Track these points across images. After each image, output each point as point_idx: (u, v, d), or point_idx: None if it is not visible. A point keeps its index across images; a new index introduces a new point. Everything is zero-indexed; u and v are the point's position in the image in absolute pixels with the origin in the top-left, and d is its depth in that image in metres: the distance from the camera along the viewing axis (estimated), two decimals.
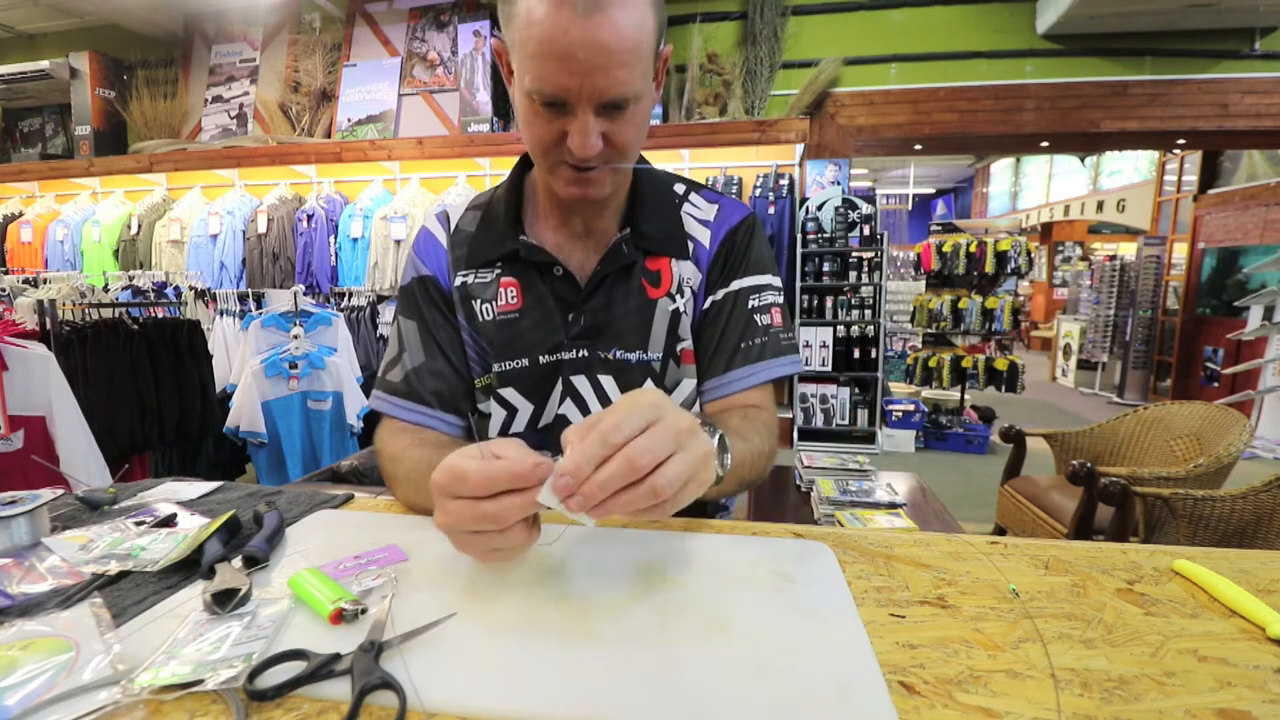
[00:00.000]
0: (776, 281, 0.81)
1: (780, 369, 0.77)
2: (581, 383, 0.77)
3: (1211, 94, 3.96)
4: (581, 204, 0.74)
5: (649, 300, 0.76)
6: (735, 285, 0.78)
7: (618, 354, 0.76)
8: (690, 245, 0.79)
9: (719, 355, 0.77)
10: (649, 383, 0.77)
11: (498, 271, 0.77)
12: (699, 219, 0.80)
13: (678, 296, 0.77)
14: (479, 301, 0.78)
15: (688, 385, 0.79)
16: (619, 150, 0.65)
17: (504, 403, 0.78)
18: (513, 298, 0.77)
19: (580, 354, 0.76)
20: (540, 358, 0.76)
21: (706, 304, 0.78)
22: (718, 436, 0.53)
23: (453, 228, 0.81)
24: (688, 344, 0.78)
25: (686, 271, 0.78)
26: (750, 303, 0.78)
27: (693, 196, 0.82)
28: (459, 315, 0.79)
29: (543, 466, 0.46)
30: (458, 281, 0.79)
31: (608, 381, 0.77)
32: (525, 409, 0.78)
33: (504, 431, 0.79)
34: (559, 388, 0.77)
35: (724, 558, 0.57)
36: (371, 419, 3.12)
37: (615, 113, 0.62)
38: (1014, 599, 0.50)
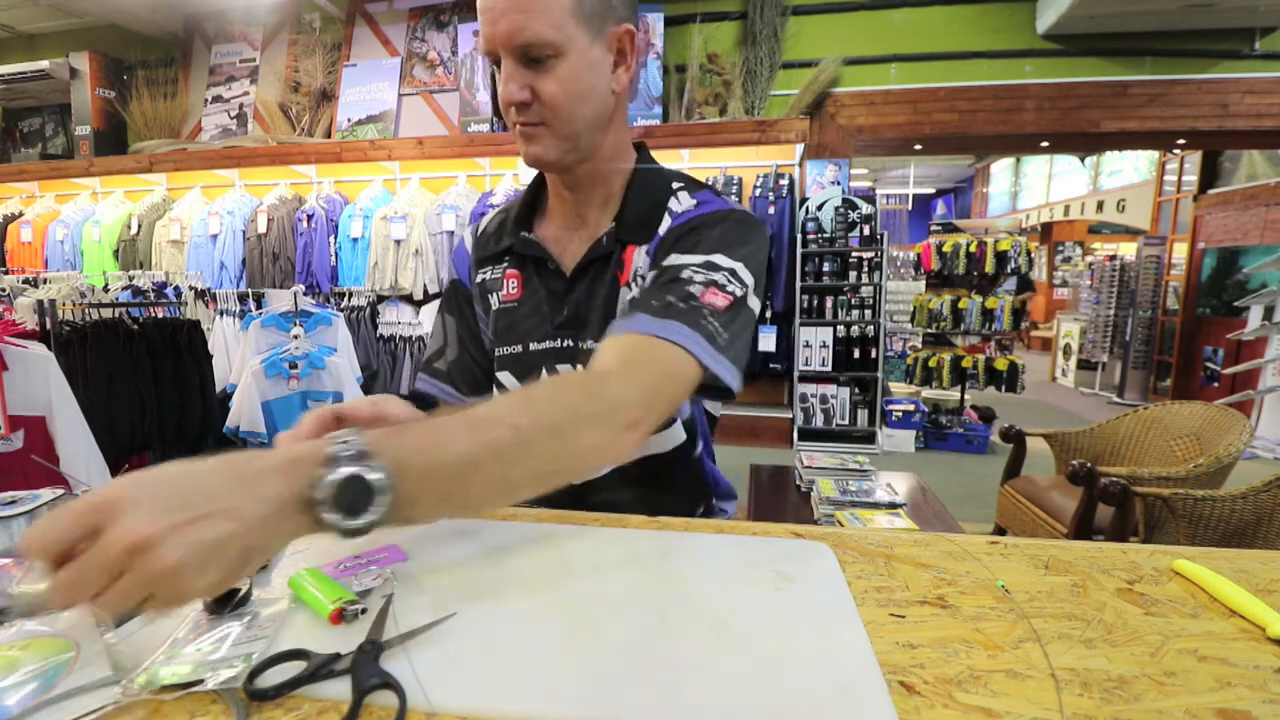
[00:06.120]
0: (738, 268, 0.68)
1: (685, 341, 0.60)
2: (567, 371, 0.79)
3: (1211, 94, 3.96)
4: (561, 176, 0.77)
5: (618, 289, 0.77)
6: (674, 260, 0.69)
7: (590, 344, 0.77)
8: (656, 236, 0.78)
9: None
10: None
11: (504, 265, 0.84)
12: (672, 210, 0.78)
13: (633, 285, 0.76)
14: (492, 294, 0.84)
15: None
16: (548, 107, 0.68)
17: (502, 388, 0.83)
18: (514, 288, 0.82)
19: (565, 343, 0.79)
20: (531, 345, 0.80)
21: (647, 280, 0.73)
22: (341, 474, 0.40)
23: (480, 230, 0.89)
24: None
25: (640, 260, 0.77)
26: (686, 274, 0.66)
27: (682, 193, 0.80)
28: (479, 308, 0.87)
29: None
30: (478, 279, 0.86)
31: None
32: None
33: None
34: (545, 375, 0.80)
35: (724, 558, 0.57)
36: None
37: (537, 66, 0.66)
38: (1013, 599, 0.50)
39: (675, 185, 0.81)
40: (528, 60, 0.66)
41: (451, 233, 4.00)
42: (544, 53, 0.65)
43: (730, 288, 0.66)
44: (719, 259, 0.68)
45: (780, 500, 1.98)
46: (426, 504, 0.45)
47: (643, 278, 0.75)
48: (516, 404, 0.52)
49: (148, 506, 0.36)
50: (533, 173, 0.83)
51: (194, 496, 0.37)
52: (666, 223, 0.77)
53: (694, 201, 0.78)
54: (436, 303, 2.12)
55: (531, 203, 0.84)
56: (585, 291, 0.78)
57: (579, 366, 0.78)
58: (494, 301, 0.84)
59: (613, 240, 0.77)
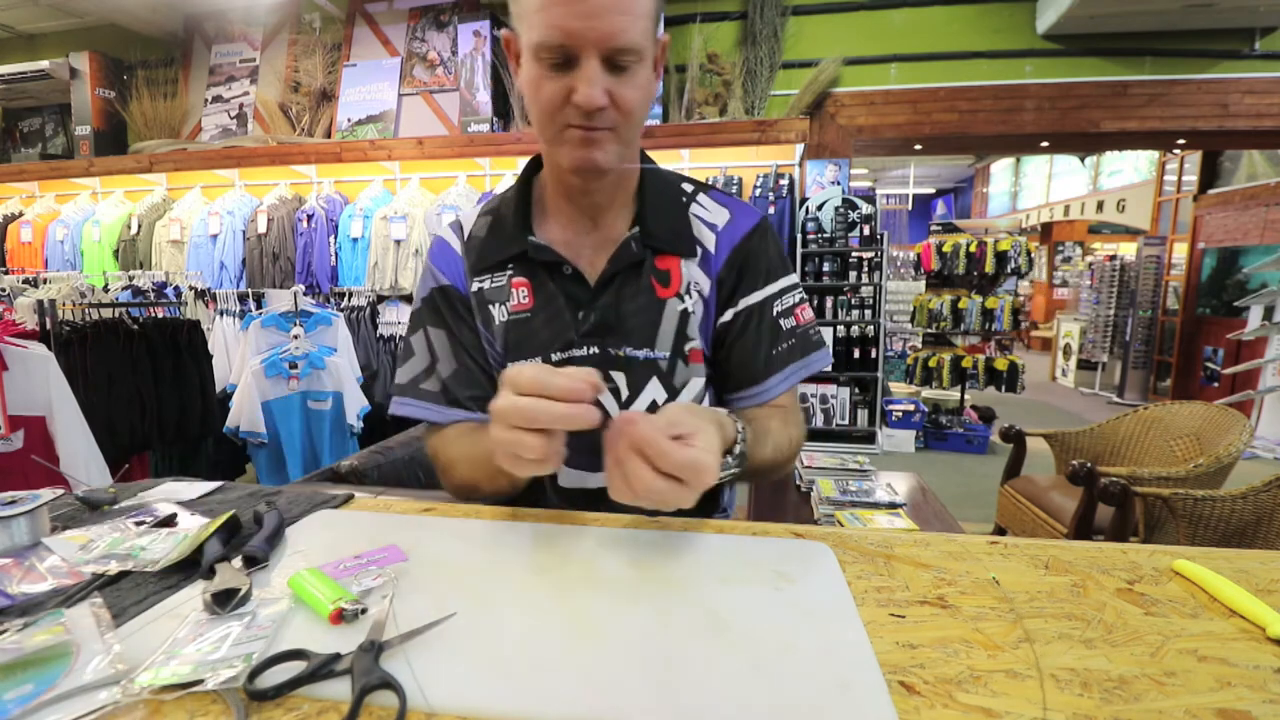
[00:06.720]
0: (795, 280, 0.83)
1: (813, 366, 0.81)
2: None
3: (1211, 94, 3.96)
4: (589, 180, 0.73)
5: (658, 299, 0.76)
6: (758, 297, 0.79)
7: (627, 351, 0.76)
8: (698, 249, 0.78)
9: (755, 365, 0.79)
10: (655, 380, 0.77)
11: (509, 273, 0.78)
12: (707, 221, 0.79)
13: (686, 297, 0.77)
14: (495, 305, 0.79)
15: (696, 384, 0.79)
16: (623, 112, 0.66)
17: None
18: (524, 298, 0.78)
19: (591, 351, 0.76)
20: (552, 355, 0.77)
21: (729, 316, 0.79)
22: (740, 436, 0.64)
23: (466, 235, 0.82)
24: (696, 344, 0.78)
25: (695, 274, 0.78)
26: (775, 309, 0.80)
27: (700, 197, 0.81)
28: (477, 320, 0.80)
29: (584, 393, 0.53)
30: (474, 288, 0.80)
31: (618, 378, 0.77)
32: None
33: None
34: None
35: (724, 558, 0.57)
36: (371, 419, 3.13)
37: (620, 71, 0.64)
38: (1012, 600, 0.50)
39: (686, 187, 0.82)
40: (612, 64, 0.63)
41: None
42: (632, 58, 0.63)
43: (801, 297, 0.83)
44: (784, 281, 0.81)
45: (780, 500, 1.98)
46: (741, 476, 0.66)
47: (700, 293, 0.78)
48: (789, 435, 0.76)
49: (715, 445, 0.54)
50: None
51: (719, 446, 0.55)
52: (708, 235, 0.79)
53: (726, 212, 0.81)
54: None
55: (526, 205, 0.80)
56: (614, 297, 0.76)
57: (612, 374, 0.76)
58: (498, 313, 0.78)
59: (641, 247, 0.76)
